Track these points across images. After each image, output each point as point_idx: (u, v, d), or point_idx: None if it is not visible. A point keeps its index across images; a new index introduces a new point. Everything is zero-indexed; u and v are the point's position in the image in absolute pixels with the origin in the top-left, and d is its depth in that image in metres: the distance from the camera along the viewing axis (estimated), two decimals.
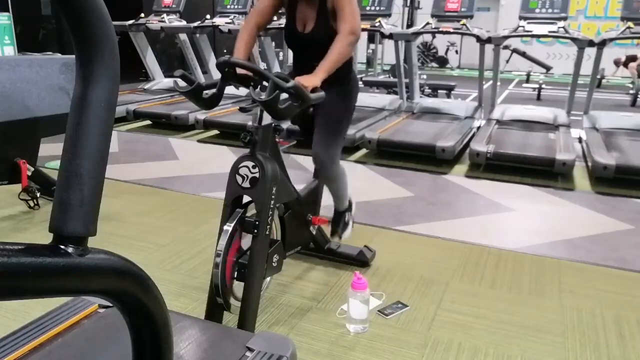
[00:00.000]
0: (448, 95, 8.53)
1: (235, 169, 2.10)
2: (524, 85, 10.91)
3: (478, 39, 5.86)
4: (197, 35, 7.30)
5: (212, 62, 7.58)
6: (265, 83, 2.08)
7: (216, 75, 3.13)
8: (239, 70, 2.13)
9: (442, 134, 5.22)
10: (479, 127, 5.87)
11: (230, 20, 6.98)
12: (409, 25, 9.73)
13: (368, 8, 6.23)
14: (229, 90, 2.30)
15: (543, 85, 9.31)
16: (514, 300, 2.50)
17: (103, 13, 0.62)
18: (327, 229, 2.84)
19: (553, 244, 3.19)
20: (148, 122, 6.61)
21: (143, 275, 0.67)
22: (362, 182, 4.39)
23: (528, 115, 6.01)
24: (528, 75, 11.47)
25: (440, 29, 6.08)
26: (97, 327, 1.49)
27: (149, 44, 7.91)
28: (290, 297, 2.49)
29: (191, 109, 6.07)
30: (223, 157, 5.06)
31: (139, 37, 7.68)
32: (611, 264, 2.91)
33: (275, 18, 2.68)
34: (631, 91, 9.21)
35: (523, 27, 5.80)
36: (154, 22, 7.42)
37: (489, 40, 5.84)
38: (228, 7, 7.18)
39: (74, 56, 0.64)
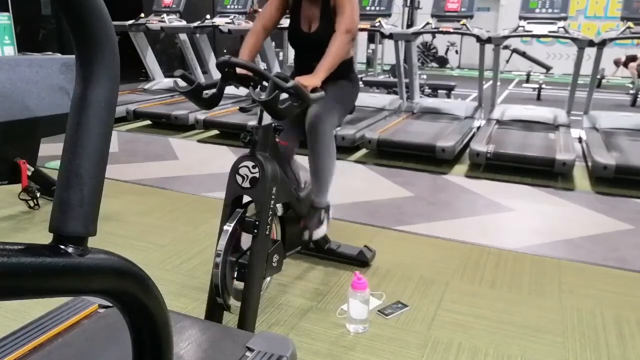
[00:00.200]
0: (448, 95, 8.53)
1: (235, 169, 2.10)
2: (524, 85, 10.91)
3: (478, 39, 5.86)
4: (197, 35, 7.30)
5: (212, 62, 7.58)
6: (265, 83, 2.08)
7: (216, 75, 3.13)
8: (239, 70, 2.14)
9: (442, 134, 5.22)
10: (479, 127, 5.87)
11: (230, 20, 6.98)
12: (409, 25, 9.73)
13: (368, 8, 6.23)
14: (229, 90, 2.30)
15: (543, 85, 9.31)
16: (514, 300, 2.50)
17: (103, 13, 0.62)
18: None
19: (553, 244, 3.19)
20: (148, 122, 6.61)
21: (143, 275, 0.67)
22: (362, 182, 4.39)
23: (528, 115, 6.01)
24: (528, 75, 11.47)
25: (440, 29, 6.08)
26: (97, 327, 1.49)
27: (149, 44, 7.91)
28: (290, 297, 2.49)
29: (191, 109, 6.07)
30: (223, 157, 5.06)
31: (139, 37, 7.68)
32: (611, 264, 2.91)
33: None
34: (631, 91, 9.21)
35: (523, 27, 5.80)
36: (154, 22, 7.41)
37: (489, 40, 5.84)
38: (228, 7, 7.18)
39: (74, 56, 0.64)
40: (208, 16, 7.19)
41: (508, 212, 3.72)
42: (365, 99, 6.61)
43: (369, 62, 12.79)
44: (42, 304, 2.04)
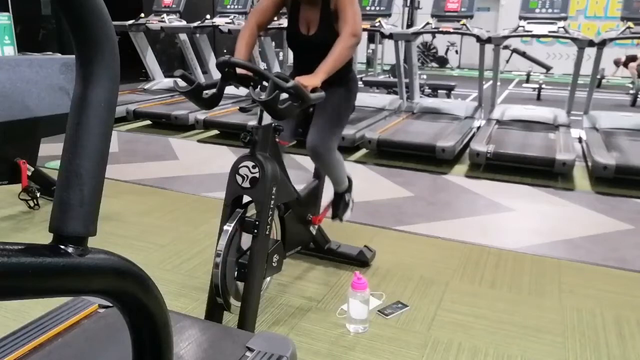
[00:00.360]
0: (448, 95, 8.53)
1: (235, 169, 2.10)
2: (524, 85, 10.91)
3: (478, 39, 5.86)
4: (197, 35, 7.30)
5: (212, 62, 7.58)
6: (265, 83, 2.08)
7: (216, 75, 3.13)
8: (239, 70, 2.13)
9: (442, 134, 5.22)
10: (479, 127, 5.87)
11: (230, 20, 6.98)
12: (409, 25, 9.73)
13: (368, 8, 6.23)
14: (229, 90, 2.30)
15: (543, 85, 9.31)
16: (514, 300, 2.50)
17: (103, 13, 0.62)
18: (327, 216, 2.82)
19: (553, 244, 3.19)
20: (148, 122, 6.62)
21: (143, 275, 0.67)
22: (362, 182, 4.39)
23: (528, 115, 6.01)
24: (528, 75, 11.47)
25: (440, 29, 6.08)
26: (97, 327, 1.49)
27: (149, 44, 7.91)
28: (290, 297, 2.49)
29: (191, 109, 6.07)
30: (223, 157, 5.06)
31: (139, 37, 7.68)
32: (611, 264, 2.91)
33: (275, 18, 2.68)
34: (631, 91, 9.21)
35: (523, 27, 5.80)
36: (154, 22, 7.42)
37: (489, 40, 5.84)
38: (228, 7, 7.18)
39: (74, 56, 0.64)
40: (208, 16, 7.19)
41: (508, 212, 3.72)
42: (365, 99, 6.61)
43: (369, 62, 12.79)
44: (42, 304, 2.04)
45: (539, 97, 9.19)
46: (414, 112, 6.36)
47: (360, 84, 9.11)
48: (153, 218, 3.47)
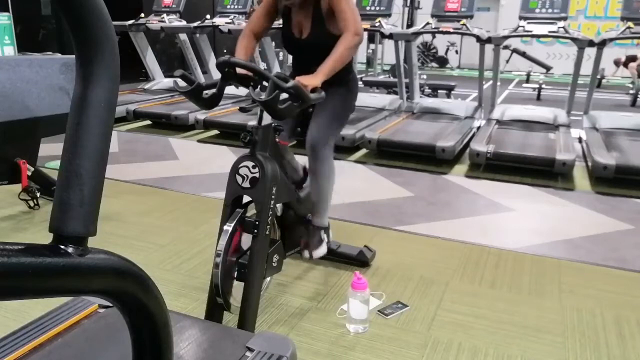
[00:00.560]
0: (448, 95, 8.53)
1: (235, 169, 2.10)
2: (524, 85, 10.91)
3: (478, 39, 5.86)
4: (197, 35, 7.30)
5: (212, 62, 7.58)
6: (265, 83, 2.08)
7: (216, 75, 3.13)
8: (239, 70, 2.14)
9: (442, 134, 5.22)
10: (479, 127, 5.87)
11: (230, 20, 6.98)
12: (409, 25, 9.73)
13: (368, 8, 6.23)
14: (229, 90, 2.30)
15: (543, 85, 9.31)
16: (514, 300, 2.50)
17: (103, 13, 0.62)
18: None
19: (553, 244, 3.19)
20: (148, 122, 6.62)
21: (143, 275, 0.67)
22: (362, 182, 4.39)
23: (528, 115, 6.01)
24: (528, 75, 11.47)
25: (440, 29, 6.08)
26: (97, 327, 1.49)
27: (149, 44, 7.91)
28: (290, 297, 2.49)
29: (191, 109, 6.07)
30: (223, 157, 5.06)
31: (139, 37, 7.68)
32: (611, 264, 2.91)
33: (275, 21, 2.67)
34: (631, 91, 9.21)
35: (523, 27, 5.80)
36: (154, 22, 7.41)
37: (489, 40, 5.84)
38: (228, 7, 7.18)
39: (74, 56, 0.64)
40: (208, 16, 7.18)
41: (508, 212, 3.72)
42: (365, 99, 6.61)
43: (369, 62, 12.79)
44: (42, 304, 2.04)
45: (539, 97, 9.19)
46: (414, 112, 6.36)
47: (360, 84, 9.12)
48: (153, 218, 3.47)
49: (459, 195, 4.10)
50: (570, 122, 5.75)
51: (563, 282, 2.69)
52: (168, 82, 7.89)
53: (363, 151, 5.33)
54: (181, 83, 2.14)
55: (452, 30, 6.03)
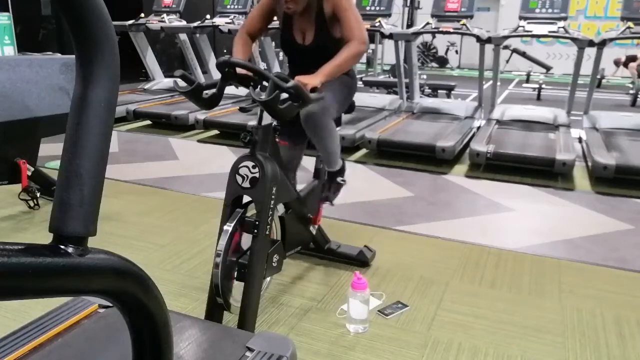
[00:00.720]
0: (448, 95, 8.53)
1: (235, 169, 2.10)
2: (524, 85, 10.91)
3: (478, 39, 5.86)
4: (197, 35, 7.30)
5: (212, 62, 7.58)
6: (265, 83, 2.08)
7: (216, 75, 3.13)
8: (239, 70, 2.14)
9: (442, 134, 5.22)
10: (479, 127, 5.87)
11: (230, 20, 6.99)
12: (409, 25, 9.73)
13: (368, 8, 6.23)
14: (229, 90, 2.30)
15: (543, 85, 9.31)
16: (514, 300, 2.50)
17: (103, 13, 0.62)
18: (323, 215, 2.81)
19: (553, 244, 3.19)
20: (148, 122, 6.62)
21: (143, 275, 0.67)
22: (362, 182, 4.39)
23: (528, 115, 6.01)
24: (528, 75, 11.47)
25: (440, 29, 6.08)
26: (97, 327, 1.49)
27: (149, 44, 7.91)
28: (290, 297, 2.49)
29: (191, 109, 6.07)
30: (223, 157, 5.06)
31: (139, 37, 7.68)
32: (611, 264, 2.91)
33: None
34: (631, 91, 9.21)
35: (523, 27, 5.80)
36: (154, 22, 7.41)
37: (489, 40, 5.84)
38: (228, 7, 7.18)
39: (74, 56, 0.64)
40: (208, 16, 7.19)
41: (508, 212, 3.72)
42: (365, 99, 6.61)
43: (369, 62, 12.79)
44: (42, 304, 2.04)
45: (539, 97, 9.19)
46: (414, 112, 6.36)
47: (360, 84, 9.12)
48: (153, 218, 3.47)
49: (459, 195, 4.10)
50: (570, 122, 5.75)
51: (563, 282, 2.69)
52: (168, 82, 7.89)
53: (363, 151, 5.34)
54: (181, 83, 2.14)
55: (452, 30, 6.03)
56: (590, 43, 5.50)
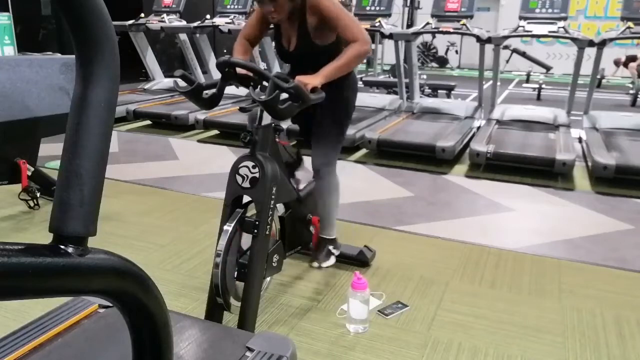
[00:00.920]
0: (448, 95, 8.53)
1: (235, 169, 2.10)
2: (524, 85, 10.91)
3: (478, 39, 5.86)
4: (197, 35, 7.29)
5: (212, 62, 7.58)
6: (265, 83, 2.08)
7: (216, 75, 3.13)
8: (239, 70, 2.14)
9: (442, 134, 5.22)
10: (479, 127, 5.87)
11: (230, 20, 6.98)
12: (409, 25, 9.73)
13: (368, 8, 6.23)
14: (229, 90, 2.30)
15: (543, 85, 9.31)
16: (514, 300, 2.50)
17: (103, 13, 0.62)
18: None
19: (553, 244, 3.19)
20: (148, 122, 6.62)
21: (143, 275, 0.67)
22: (362, 182, 4.39)
23: (528, 115, 6.01)
24: (528, 75, 11.47)
25: (440, 29, 6.08)
26: (97, 327, 1.49)
27: (149, 44, 7.91)
28: (290, 297, 2.49)
29: (191, 109, 6.07)
30: (223, 157, 5.06)
31: (139, 37, 7.68)
32: (611, 264, 2.91)
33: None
34: (631, 91, 9.20)
35: (523, 27, 5.80)
36: (154, 22, 7.41)
37: (489, 40, 5.84)
38: (228, 7, 7.18)
39: (74, 56, 0.64)
40: (208, 16, 7.18)
41: (508, 212, 3.72)
42: (365, 99, 6.61)
43: (369, 62, 12.79)
44: (42, 304, 2.04)
45: (539, 97, 9.19)
46: (414, 112, 6.36)
47: (360, 84, 9.11)
48: (153, 218, 3.47)
49: (459, 195, 4.10)
50: (570, 122, 5.75)
51: (563, 282, 2.69)
52: (168, 82, 7.89)
53: (363, 151, 5.34)
54: (181, 83, 2.14)
55: (452, 30, 6.03)
56: (590, 43, 5.50)
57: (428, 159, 4.87)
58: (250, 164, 2.08)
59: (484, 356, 2.07)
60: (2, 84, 2.84)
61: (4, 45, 7.60)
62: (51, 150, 4.25)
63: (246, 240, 2.13)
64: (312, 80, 2.13)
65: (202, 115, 5.84)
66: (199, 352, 1.42)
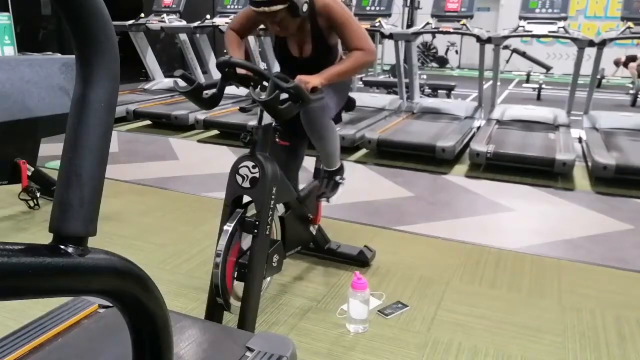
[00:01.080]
0: (448, 95, 8.53)
1: (235, 169, 2.10)
2: (524, 85, 10.91)
3: (478, 39, 5.86)
4: (197, 35, 7.30)
5: (212, 62, 7.58)
6: (265, 83, 2.08)
7: (216, 75, 3.13)
8: (239, 70, 2.13)
9: (442, 134, 5.22)
10: (479, 127, 5.87)
11: (230, 20, 6.98)
12: (409, 25, 9.73)
13: (368, 8, 6.23)
14: (229, 90, 2.30)
15: (543, 85, 9.31)
16: (514, 300, 2.50)
17: (103, 13, 0.62)
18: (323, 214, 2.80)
19: (553, 244, 3.19)
20: (148, 122, 6.61)
21: (143, 275, 0.67)
22: (362, 182, 4.39)
23: (528, 115, 6.01)
24: (528, 75, 11.46)
25: (440, 29, 6.08)
26: (97, 327, 1.49)
27: (149, 44, 7.91)
28: (290, 297, 2.49)
29: (191, 109, 6.07)
30: (223, 157, 5.06)
31: (139, 37, 7.68)
32: (611, 264, 2.91)
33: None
34: (631, 91, 9.20)
35: (523, 27, 5.80)
36: (154, 22, 7.41)
37: (489, 40, 5.84)
38: (228, 7, 7.18)
39: (74, 56, 0.64)
40: (208, 16, 7.18)
41: (508, 212, 3.72)
42: (365, 99, 6.61)
43: None
44: (42, 304, 2.04)
45: (539, 97, 9.19)
46: (414, 112, 6.36)
47: (360, 84, 9.12)
48: (153, 218, 3.47)
49: (459, 195, 4.10)
50: (570, 122, 5.75)
51: (563, 282, 2.69)
52: (168, 82, 7.89)
53: (363, 151, 5.34)
54: (181, 83, 2.14)
55: (452, 30, 6.03)
56: (590, 43, 5.50)
57: (428, 159, 4.87)
58: (250, 164, 2.08)
59: (484, 356, 2.07)
60: (2, 84, 2.84)
61: (4, 45, 7.60)
62: (51, 150, 4.25)
63: (246, 240, 2.13)
64: (313, 80, 2.12)
65: (202, 115, 5.84)
66: (199, 352, 1.42)
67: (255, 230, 2.06)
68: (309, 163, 2.85)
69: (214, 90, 2.16)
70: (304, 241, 2.72)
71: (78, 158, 0.62)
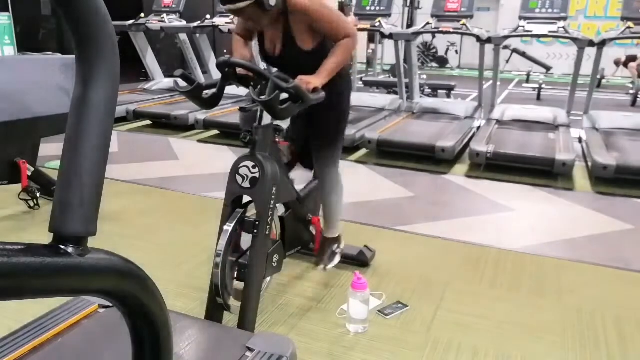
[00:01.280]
0: (448, 95, 8.53)
1: (235, 169, 2.10)
2: (524, 85, 10.91)
3: (478, 39, 5.86)
4: (197, 35, 7.30)
5: (212, 62, 7.58)
6: (265, 83, 2.08)
7: (216, 75, 3.13)
8: (239, 70, 2.14)
9: (442, 134, 5.22)
10: (479, 127, 5.87)
11: (230, 20, 6.98)
12: (409, 25, 9.73)
13: (368, 8, 6.23)
14: (229, 90, 2.30)
15: (543, 85, 9.31)
16: (514, 300, 2.50)
17: (103, 13, 0.62)
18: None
19: (553, 244, 3.19)
20: (148, 122, 6.61)
21: (143, 275, 0.67)
22: (362, 182, 4.39)
23: (528, 115, 6.01)
24: (528, 75, 11.46)
25: (440, 29, 6.08)
26: (97, 327, 1.49)
27: (149, 44, 7.91)
28: (290, 297, 2.49)
29: (191, 109, 6.07)
30: (223, 157, 5.06)
31: (139, 37, 7.68)
32: (611, 264, 2.91)
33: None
34: (631, 91, 9.20)
35: (523, 27, 5.81)
36: (154, 22, 7.41)
37: (489, 40, 5.84)
38: None
39: (74, 56, 0.64)
40: (208, 16, 7.18)
41: (508, 212, 3.72)
42: (365, 99, 6.61)
43: (369, 62, 12.78)
44: (42, 304, 2.03)
45: (539, 97, 9.19)
46: (414, 112, 6.36)
47: (360, 84, 9.12)
48: (153, 218, 3.47)
49: (459, 195, 4.10)
50: (570, 122, 5.75)
51: (563, 282, 2.69)
52: (168, 82, 7.89)
53: (363, 151, 5.33)
54: (181, 83, 2.14)
55: (452, 30, 6.03)
56: (590, 43, 5.51)
57: (428, 159, 4.87)
58: (250, 164, 2.08)
59: (484, 356, 2.07)
60: (2, 84, 2.84)
61: (4, 45, 7.61)
62: (51, 150, 4.25)
63: (246, 240, 2.13)
64: (314, 80, 2.12)
65: (202, 115, 5.84)
66: (199, 352, 1.42)
67: (255, 230, 2.06)
68: None
69: (214, 90, 2.16)
70: (304, 241, 2.72)
71: (78, 158, 0.62)
